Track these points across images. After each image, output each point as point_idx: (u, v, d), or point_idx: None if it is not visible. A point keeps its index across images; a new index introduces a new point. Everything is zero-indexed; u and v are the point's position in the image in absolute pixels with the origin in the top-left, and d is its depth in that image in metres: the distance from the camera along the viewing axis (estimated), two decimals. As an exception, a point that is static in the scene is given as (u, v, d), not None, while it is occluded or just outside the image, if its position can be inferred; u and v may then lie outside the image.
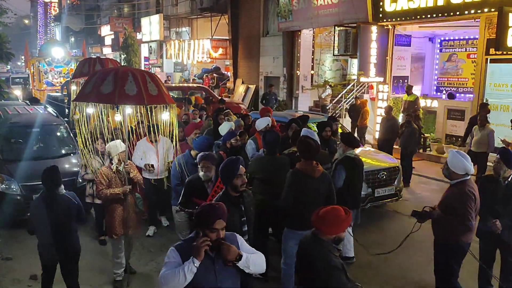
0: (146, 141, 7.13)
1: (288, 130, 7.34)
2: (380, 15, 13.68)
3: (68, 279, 5.11)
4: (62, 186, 4.93)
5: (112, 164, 5.68)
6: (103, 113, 5.60)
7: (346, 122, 14.19)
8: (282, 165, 5.67)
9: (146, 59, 30.58)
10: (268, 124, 7.51)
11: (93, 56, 16.44)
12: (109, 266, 6.07)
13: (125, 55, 26.84)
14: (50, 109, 10.28)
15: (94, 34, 41.87)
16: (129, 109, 5.41)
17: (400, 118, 12.94)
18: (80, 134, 5.49)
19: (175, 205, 5.70)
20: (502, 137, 9.29)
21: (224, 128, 7.41)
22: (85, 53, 23.21)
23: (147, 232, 7.24)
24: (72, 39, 49.60)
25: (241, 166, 4.01)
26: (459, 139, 12.25)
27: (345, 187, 5.78)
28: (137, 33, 30.52)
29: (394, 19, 13.50)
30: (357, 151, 7.12)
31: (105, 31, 37.17)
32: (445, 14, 11.89)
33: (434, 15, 12.16)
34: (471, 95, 12.85)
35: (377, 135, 13.04)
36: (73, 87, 10.27)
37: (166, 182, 6.75)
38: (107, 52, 37.52)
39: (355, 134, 12.12)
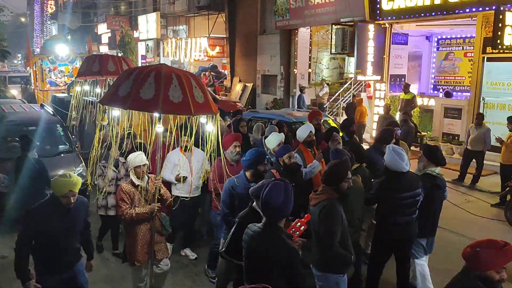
0: (179, 152, 6.08)
1: (330, 142, 6.41)
2: (377, 14, 13.69)
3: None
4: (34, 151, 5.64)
5: (129, 177, 4.96)
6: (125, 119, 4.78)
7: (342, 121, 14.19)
8: (358, 189, 4.89)
9: (143, 57, 30.51)
10: (311, 131, 6.29)
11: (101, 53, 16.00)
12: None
13: (122, 53, 26.77)
14: (46, 108, 10.23)
15: (91, 32, 41.74)
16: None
17: (397, 117, 12.94)
18: (112, 140, 4.76)
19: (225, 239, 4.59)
20: (498, 135, 9.31)
21: (273, 141, 6.14)
22: (91, 50, 22.45)
23: (183, 252, 6.46)
24: (69, 37, 49.46)
25: None
26: (456, 138, 12.29)
27: (422, 209, 4.97)
28: (134, 31, 30.45)
29: (391, 18, 13.50)
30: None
31: (102, 29, 37.10)
32: (443, 13, 11.90)
33: (432, 14, 12.17)
34: (468, 94, 12.86)
35: (374, 134, 13.04)
36: (77, 88, 9.04)
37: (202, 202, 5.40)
38: (104, 50, 37.41)
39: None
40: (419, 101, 13.80)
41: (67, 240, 4.16)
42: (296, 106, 16.27)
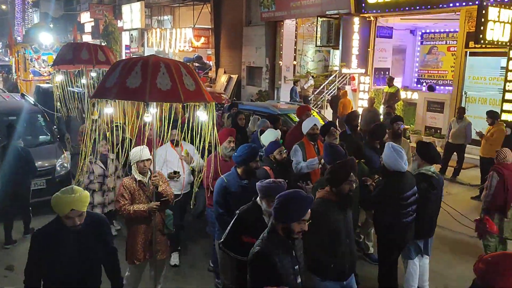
0: (169, 147, 5.78)
1: (327, 136, 6.23)
2: (363, 7, 13.72)
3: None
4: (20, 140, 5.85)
5: (131, 174, 4.74)
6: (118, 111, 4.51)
7: (327, 113, 14.27)
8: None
9: (127, 47, 30.14)
10: (315, 124, 6.16)
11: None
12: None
13: (105, 43, 26.40)
14: (27, 98, 10.05)
15: (74, 21, 41.04)
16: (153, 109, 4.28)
17: (381, 110, 13.05)
18: (95, 138, 4.57)
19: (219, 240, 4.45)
20: (479, 129, 9.45)
21: (268, 137, 5.97)
22: (76, 38, 21.84)
23: (171, 261, 5.95)
24: (51, 25, 48.55)
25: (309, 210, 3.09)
26: (438, 131, 12.45)
27: (418, 211, 4.81)
28: (118, 21, 30.03)
29: (376, 11, 13.56)
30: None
31: (85, 18, 36.47)
32: (427, 7, 11.99)
33: (416, 8, 12.24)
34: (451, 88, 13.02)
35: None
36: (58, 77, 8.65)
37: (193, 200, 4.86)
38: (87, 39, 36.83)
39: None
40: (403, 94, 13.92)
41: (81, 269, 3.48)
42: (281, 98, 16.28)
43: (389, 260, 4.97)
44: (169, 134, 5.07)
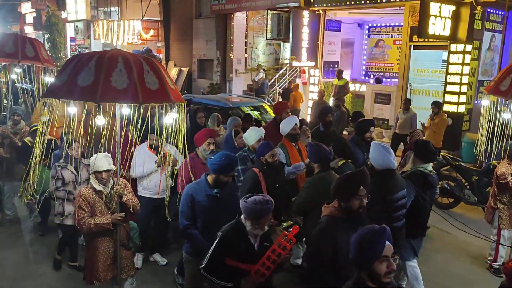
0: (146, 148, 5.50)
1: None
2: (312, 0, 13.89)
3: None
4: None
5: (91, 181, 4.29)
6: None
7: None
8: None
9: (73, 39, 29.04)
10: (296, 124, 5.82)
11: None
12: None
13: (48, 35, 25.31)
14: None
15: (14, 11, 39.01)
16: (126, 109, 3.88)
17: (331, 102, 13.31)
18: (41, 141, 3.96)
19: (187, 254, 4.23)
20: (423, 120, 9.86)
21: (252, 137, 5.57)
22: (24, 31, 20.53)
23: (152, 257, 5.84)
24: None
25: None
26: (385, 122, 12.87)
27: (412, 210, 4.58)
28: (62, 12, 28.83)
29: (324, 5, 13.76)
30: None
31: (26, 8, 34.76)
32: (372, 1, 12.30)
33: (362, 2, 12.54)
34: (397, 80, 13.47)
35: (308, 119, 13.33)
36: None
37: (168, 210, 4.44)
38: (29, 31, 35.14)
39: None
40: (351, 87, 14.25)
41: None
42: (233, 91, 16.22)
43: None
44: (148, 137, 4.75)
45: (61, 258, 5.75)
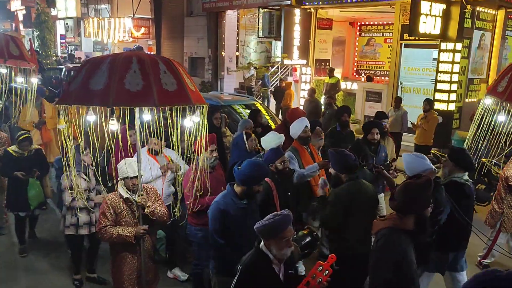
0: (147, 154, 5.12)
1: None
2: (303, -1, 13.92)
3: None
4: None
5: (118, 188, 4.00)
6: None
7: (271, 105, 14.41)
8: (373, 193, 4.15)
9: (63, 37, 28.84)
10: (306, 126, 5.41)
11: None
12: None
13: (38, 32, 25.10)
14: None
15: (3, 9, 38.62)
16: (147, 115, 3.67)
17: (322, 100, 13.34)
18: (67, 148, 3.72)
19: (219, 273, 3.90)
20: (413, 119, 9.91)
21: (271, 142, 5.03)
22: (19, 30, 20.26)
23: (171, 273, 5.34)
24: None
25: None
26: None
27: (449, 222, 4.19)
28: (52, 9, 28.59)
29: (316, 3, 13.78)
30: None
31: (16, 5, 34.41)
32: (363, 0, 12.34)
33: (353, 0, 12.57)
34: (387, 78, 13.52)
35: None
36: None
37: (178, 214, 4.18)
38: (19, 28, 34.86)
39: (279, 116, 12.32)
40: (343, 85, 14.29)
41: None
42: (224, 89, 16.18)
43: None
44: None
45: (80, 277, 5.31)
